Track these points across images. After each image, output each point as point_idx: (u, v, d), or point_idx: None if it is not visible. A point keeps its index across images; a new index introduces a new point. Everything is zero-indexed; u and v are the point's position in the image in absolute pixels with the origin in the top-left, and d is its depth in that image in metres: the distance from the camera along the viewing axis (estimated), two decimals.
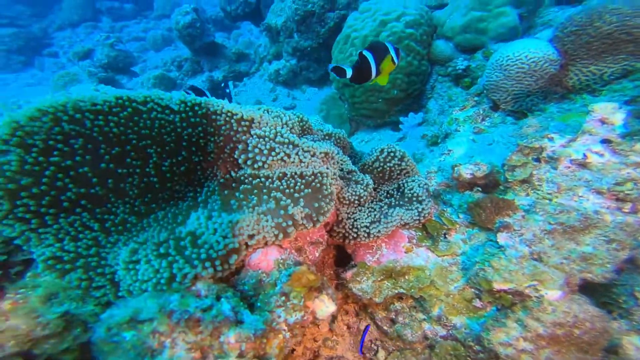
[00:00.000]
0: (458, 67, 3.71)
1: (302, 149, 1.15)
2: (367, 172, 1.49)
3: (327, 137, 1.68)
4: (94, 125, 0.91)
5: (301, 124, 1.48)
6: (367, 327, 1.29)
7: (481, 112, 1.96)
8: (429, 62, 3.86)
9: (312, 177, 1.12)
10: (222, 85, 7.07)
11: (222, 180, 1.12)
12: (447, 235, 1.28)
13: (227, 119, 1.08)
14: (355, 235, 1.27)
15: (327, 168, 1.19)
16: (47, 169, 0.86)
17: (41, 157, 0.84)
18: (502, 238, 1.13)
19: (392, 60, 1.75)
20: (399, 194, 1.38)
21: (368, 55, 1.71)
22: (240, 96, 5.56)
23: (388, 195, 1.38)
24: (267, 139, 1.14)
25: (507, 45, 1.88)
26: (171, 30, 10.33)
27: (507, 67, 1.82)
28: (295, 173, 1.12)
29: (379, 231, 1.21)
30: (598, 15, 1.72)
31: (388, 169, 1.44)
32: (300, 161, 1.15)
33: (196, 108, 1.05)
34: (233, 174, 1.12)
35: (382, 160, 1.46)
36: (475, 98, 2.10)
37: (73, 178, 0.90)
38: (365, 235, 1.24)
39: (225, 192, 1.07)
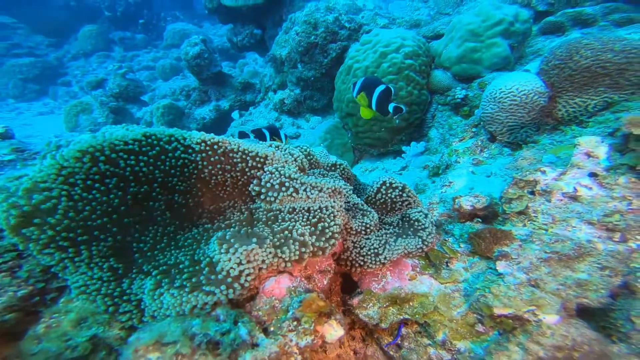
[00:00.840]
0: (457, 96, 3.88)
1: (310, 185, 1.25)
2: (371, 203, 1.58)
3: (333, 168, 1.78)
4: (127, 165, 1.01)
5: (309, 157, 1.59)
6: (400, 325, 1.31)
7: (479, 143, 2.06)
8: (428, 91, 4.03)
9: (320, 210, 1.22)
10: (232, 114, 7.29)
11: (237, 213, 1.21)
12: (449, 264, 1.35)
13: (244, 156, 1.19)
14: (361, 263, 1.34)
15: (334, 202, 1.29)
16: (86, 205, 0.96)
17: (82, 194, 0.94)
18: (500, 266, 1.20)
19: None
20: (402, 224, 1.46)
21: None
22: (247, 125, 5.75)
23: (392, 226, 1.47)
24: (277, 175, 1.24)
25: (500, 78, 2.01)
26: (179, 59, 10.78)
27: (500, 100, 1.94)
28: (304, 207, 1.21)
29: (384, 259, 1.29)
30: (575, 49, 1.85)
31: (390, 200, 1.53)
32: (308, 197, 1.25)
33: (215, 147, 1.16)
34: (249, 206, 1.22)
35: (383, 192, 1.55)
36: (473, 129, 2.21)
37: (106, 212, 1.00)
38: (371, 263, 1.31)
39: (242, 223, 1.16)
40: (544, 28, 4.37)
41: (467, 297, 1.24)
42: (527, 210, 1.31)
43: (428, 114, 4.08)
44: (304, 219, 1.19)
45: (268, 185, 1.22)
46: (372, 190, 1.62)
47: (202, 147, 1.13)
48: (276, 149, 1.36)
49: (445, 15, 5.85)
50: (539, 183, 1.30)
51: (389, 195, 1.55)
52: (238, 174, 1.24)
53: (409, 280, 1.32)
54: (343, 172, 1.81)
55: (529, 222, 1.30)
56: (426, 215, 1.43)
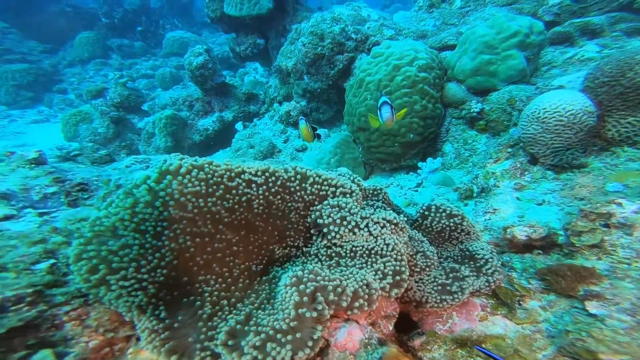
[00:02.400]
0: (472, 109, 3.79)
1: (372, 220, 1.12)
2: (424, 231, 1.46)
3: (375, 193, 1.65)
4: (194, 207, 0.89)
5: (358, 186, 1.46)
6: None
7: (518, 165, 1.95)
8: (442, 104, 3.95)
9: (385, 250, 1.09)
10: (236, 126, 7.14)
11: (298, 253, 1.07)
12: (521, 302, 1.23)
13: (302, 184, 1.06)
14: (423, 302, 1.21)
15: (398, 239, 1.15)
16: (156, 252, 0.83)
17: (152, 242, 0.81)
18: (592, 307, 1.08)
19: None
20: (464, 258, 1.34)
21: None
22: (253, 138, 5.59)
23: (452, 260, 1.34)
24: (338, 209, 1.10)
25: (542, 97, 1.91)
26: (179, 68, 10.61)
27: (544, 120, 1.84)
28: (368, 247, 1.08)
29: (453, 300, 1.16)
30: (628, 66, 1.76)
31: (448, 229, 1.41)
32: (370, 233, 1.11)
33: (273, 178, 1.02)
34: (309, 243, 1.08)
35: (437, 219, 1.43)
36: (509, 149, 2.10)
37: (176, 257, 0.87)
38: (437, 303, 1.18)
39: (304, 263, 1.03)
40: (552, 38, 4.34)
41: (551, 339, 1.11)
42: (602, 244, 1.19)
43: (442, 127, 3.99)
44: (370, 261, 1.06)
45: (329, 219, 1.09)
46: (423, 215, 1.49)
47: (262, 180, 1.00)
48: (340, 177, 1.22)
49: (451, 25, 5.81)
50: (615, 215, 1.20)
51: (443, 223, 1.43)
52: (300, 205, 1.10)
53: (479, 321, 1.19)
54: (385, 198, 1.69)
55: (604, 256, 1.19)
56: (491, 251, 1.31)
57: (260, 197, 1.03)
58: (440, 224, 1.41)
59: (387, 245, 1.09)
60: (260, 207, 1.11)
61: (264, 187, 1.01)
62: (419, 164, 3.81)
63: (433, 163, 3.70)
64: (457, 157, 3.85)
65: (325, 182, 1.21)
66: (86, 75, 11.11)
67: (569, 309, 1.14)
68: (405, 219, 1.65)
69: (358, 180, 1.47)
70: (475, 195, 2.09)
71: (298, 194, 1.10)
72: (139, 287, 0.92)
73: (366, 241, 1.10)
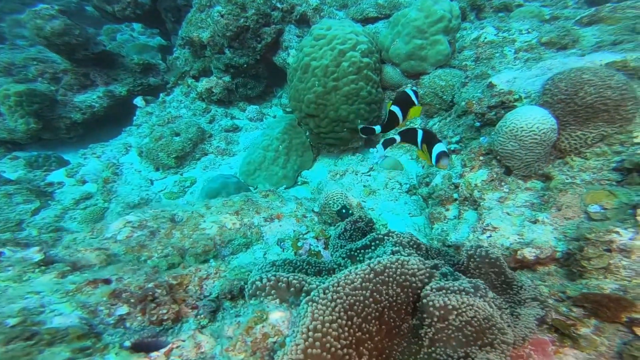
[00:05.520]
0: None
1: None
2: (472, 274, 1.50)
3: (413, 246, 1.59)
4: None
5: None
6: None
7: (494, 175, 2.11)
8: (382, 88, 3.94)
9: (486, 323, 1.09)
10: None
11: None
12: (576, 330, 1.35)
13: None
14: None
15: (490, 308, 1.16)
16: None
17: None
18: None
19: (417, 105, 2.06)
20: (510, 289, 1.43)
21: (396, 110, 2.07)
22: (176, 123, 4.69)
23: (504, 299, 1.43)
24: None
25: (516, 115, 2.02)
26: None
27: (522, 138, 1.99)
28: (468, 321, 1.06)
29: (526, 336, 1.24)
30: (580, 85, 1.98)
31: (492, 273, 1.47)
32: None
33: None
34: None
35: (482, 265, 1.48)
36: (481, 157, 2.24)
37: None
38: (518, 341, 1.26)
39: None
40: None
41: None
42: (608, 266, 1.43)
43: (383, 110, 4.03)
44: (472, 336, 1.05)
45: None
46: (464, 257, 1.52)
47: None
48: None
49: None
50: (615, 242, 1.43)
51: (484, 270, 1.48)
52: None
53: (554, 355, 1.31)
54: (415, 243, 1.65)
55: (610, 275, 1.44)
56: (532, 281, 1.44)
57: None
58: (482, 271, 1.48)
59: (489, 318, 1.09)
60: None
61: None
62: (371, 150, 3.85)
63: (382, 149, 3.77)
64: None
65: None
66: None
67: (616, 332, 1.34)
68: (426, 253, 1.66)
69: (417, 239, 1.39)
70: (459, 205, 2.23)
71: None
72: None
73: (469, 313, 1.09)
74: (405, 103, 2.13)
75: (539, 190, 2.02)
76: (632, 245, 1.39)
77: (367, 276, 1.20)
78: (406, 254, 1.42)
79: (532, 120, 1.96)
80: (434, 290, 1.22)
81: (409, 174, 3.57)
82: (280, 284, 1.25)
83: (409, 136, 1.98)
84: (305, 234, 1.91)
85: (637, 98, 1.93)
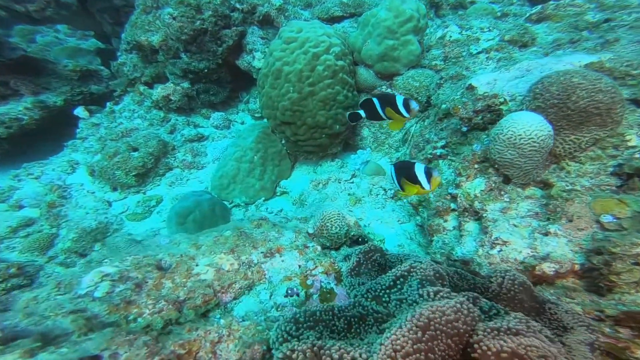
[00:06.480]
0: None
1: None
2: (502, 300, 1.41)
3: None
4: None
5: None
6: None
7: (493, 185, 2.05)
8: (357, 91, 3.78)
9: None
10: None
11: None
12: (632, 354, 1.26)
13: None
14: None
15: (548, 345, 1.06)
16: None
17: None
18: None
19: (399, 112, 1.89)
20: (543, 312, 1.37)
21: (374, 101, 1.96)
22: (132, 137, 4.14)
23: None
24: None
25: (512, 123, 1.96)
26: None
27: (520, 146, 1.94)
28: None
29: None
30: (572, 89, 1.96)
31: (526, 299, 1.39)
32: None
33: None
34: None
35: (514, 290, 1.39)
36: (476, 165, 2.18)
37: None
38: None
39: None
40: None
41: None
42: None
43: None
44: None
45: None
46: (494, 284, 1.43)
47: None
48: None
49: None
50: None
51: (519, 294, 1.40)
52: None
53: None
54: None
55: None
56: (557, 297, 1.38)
57: None
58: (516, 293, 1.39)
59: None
60: None
61: None
62: (352, 157, 3.69)
63: (364, 154, 3.64)
64: (375, 141, 3.89)
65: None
66: None
67: None
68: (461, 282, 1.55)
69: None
70: (459, 216, 2.15)
71: None
72: None
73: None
74: (387, 101, 1.97)
75: (539, 198, 1.99)
76: None
77: (415, 336, 1.04)
78: (435, 291, 1.29)
79: (529, 127, 1.91)
80: (486, 334, 1.09)
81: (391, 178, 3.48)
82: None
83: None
84: (314, 269, 1.70)
85: (623, 100, 1.97)
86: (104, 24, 5.55)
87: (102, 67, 5.52)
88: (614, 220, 1.59)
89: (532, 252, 1.72)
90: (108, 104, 5.03)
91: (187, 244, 1.85)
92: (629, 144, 1.84)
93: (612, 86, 1.93)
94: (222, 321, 1.42)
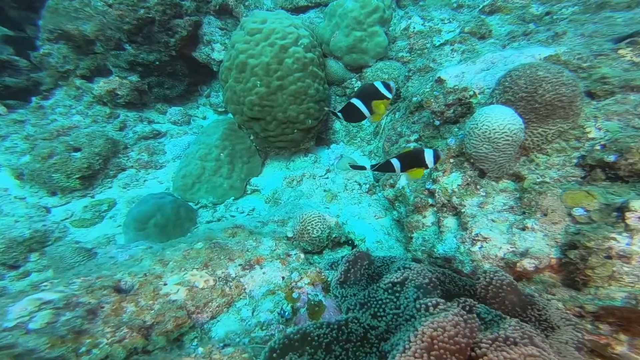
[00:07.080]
0: (355, 87, 3.69)
1: None
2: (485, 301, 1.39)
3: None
4: None
5: None
6: None
7: (469, 179, 2.06)
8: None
9: None
10: None
11: None
12: (613, 350, 1.29)
13: None
14: None
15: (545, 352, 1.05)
16: None
17: None
18: None
19: (385, 98, 1.78)
20: (532, 311, 1.37)
21: (357, 103, 1.78)
22: (71, 135, 3.64)
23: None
24: None
25: (486, 116, 1.96)
26: None
27: (495, 140, 1.95)
28: None
29: None
30: (538, 83, 2.00)
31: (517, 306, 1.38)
32: None
33: None
34: None
35: (504, 293, 1.38)
36: (451, 160, 2.17)
37: None
38: None
39: None
40: None
41: None
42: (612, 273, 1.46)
43: (330, 107, 3.76)
44: None
45: None
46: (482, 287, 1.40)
47: None
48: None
49: None
50: (614, 249, 1.47)
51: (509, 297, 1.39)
52: None
53: None
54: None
55: (614, 282, 1.47)
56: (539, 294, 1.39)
57: None
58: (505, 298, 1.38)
59: None
60: None
61: None
62: (325, 151, 3.57)
63: (337, 148, 3.54)
64: (347, 135, 3.81)
65: None
66: None
67: None
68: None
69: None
70: (438, 212, 2.13)
71: None
72: None
73: None
74: (368, 96, 1.83)
75: (512, 190, 2.02)
76: (630, 251, 1.43)
77: (422, 358, 0.98)
78: (430, 299, 1.24)
79: (502, 121, 1.92)
80: (490, 347, 1.06)
81: (365, 172, 3.43)
82: None
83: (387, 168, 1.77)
84: (299, 280, 1.58)
85: (582, 93, 2.05)
86: (7, 8, 4.81)
87: (16, 58, 4.77)
88: (584, 213, 1.65)
89: (511, 247, 1.74)
90: (34, 98, 4.39)
91: (151, 261, 1.63)
92: (589, 135, 1.92)
93: (572, 79, 1.99)
94: (200, 350, 1.25)
